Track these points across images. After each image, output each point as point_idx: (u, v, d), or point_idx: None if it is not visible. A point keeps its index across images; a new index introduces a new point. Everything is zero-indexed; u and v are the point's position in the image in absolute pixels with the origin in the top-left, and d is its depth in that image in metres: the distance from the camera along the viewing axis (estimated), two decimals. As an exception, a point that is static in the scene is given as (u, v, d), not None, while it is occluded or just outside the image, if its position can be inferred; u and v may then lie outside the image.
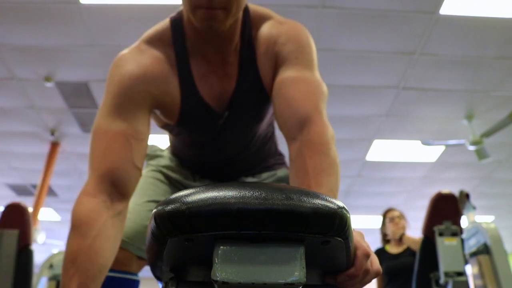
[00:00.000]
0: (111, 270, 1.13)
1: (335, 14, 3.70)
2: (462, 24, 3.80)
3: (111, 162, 0.99)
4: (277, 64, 1.11)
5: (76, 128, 5.47)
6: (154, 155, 1.40)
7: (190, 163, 1.37)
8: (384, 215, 3.84)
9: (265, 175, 1.37)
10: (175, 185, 1.35)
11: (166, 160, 1.39)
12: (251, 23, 1.15)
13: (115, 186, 0.98)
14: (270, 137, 1.36)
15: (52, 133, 5.51)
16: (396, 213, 3.76)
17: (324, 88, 1.10)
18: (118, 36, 3.88)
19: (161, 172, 1.36)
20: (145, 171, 1.38)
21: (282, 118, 1.06)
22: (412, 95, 4.79)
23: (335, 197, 0.91)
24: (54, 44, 4.02)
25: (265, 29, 1.14)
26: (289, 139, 1.03)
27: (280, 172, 1.38)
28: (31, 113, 5.13)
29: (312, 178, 0.91)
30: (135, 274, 1.24)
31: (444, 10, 3.64)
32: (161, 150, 1.43)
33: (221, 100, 1.15)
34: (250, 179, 1.35)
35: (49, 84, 4.51)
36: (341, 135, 5.22)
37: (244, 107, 1.17)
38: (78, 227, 0.92)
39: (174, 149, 1.38)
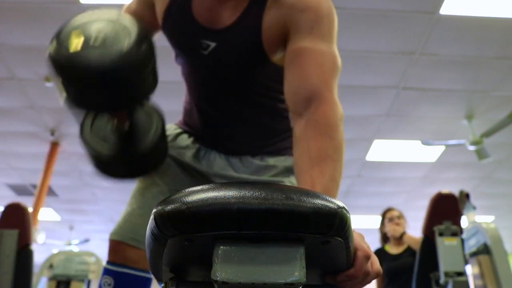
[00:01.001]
0: (124, 266, 1.15)
1: (335, 14, 3.70)
2: (462, 24, 3.80)
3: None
4: (290, 30, 1.06)
5: (76, 128, 5.44)
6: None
7: (193, 127, 1.33)
8: (383, 215, 3.84)
9: (272, 160, 1.28)
10: (184, 167, 1.30)
11: (174, 135, 1.34)
12: None
13: None
14: (278, 114, 1.28)
15: (52, 133, 5.51)
16: (395, 213, 3.76)
17: (338, 63, 1.05)
18: (118, 36, 3.87)
19: (168, 155, 1.31)
20: None
21: (290, 91, 1.03)
22: (412, 95, 4.80)
23: (338, 185, 0.90)
24: (54, 44, 4.02)
25: None
26: (295, 114, 1.00)
27: (289, 161, 1.29)
28: (31, 113, 5.13)
29: (315, 165, 0.88)
30: (148, 272, 1.23)
31: (444, 10, 3.64)
32: (174, 128, 1.38)
33: (213, 25, 1.13)
34: (256, 162, 1.28)
35: (49, 84, 4.51)
36: (341, 135, 5.20)
37: (233, 46, 1.12)
38: None
39: (184, 105, 1.36)
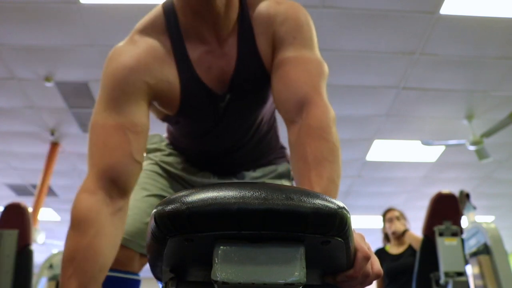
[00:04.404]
0: (111, 270, 1.10)
1: (335, 14, 3.70)
2: (462, 24, 3.80)
3: (110, 157, 0.97)
4: (275, 44, 1.09)
5: (76, 128, 5.47)
6: (153, 148, 1.36)
7: (189, 154, 1.33)
8: (383, 216, 3.84)
9: (266, 169, 1.33)
10: (175, 179, 1.32)
11: (165, 153, 1.35)
12: (247, 3, 1.12)
13: (114, 182, 0.97)
14: (271, 128, 1.32)
15: (52, 133, 5.51)
16: (395, 213, 3.75)
17: (324, 67, 1.07)
18: (118, 36, 3.85)
19: (159, 165, 1.33)
20: (143, 164, 1.36)
21: (280, 100, 1.04)
22: (412, 95, 4.80)
23: (337, 186, 0.90)
24: (54, 44, 4.02)
25: (263, 9, 1.11)
26: (288, 122, 1.01)
27: (281, 167, 1.34)
28: (31, 113, 5.13)
29: (312, 168, 0.89)
30: (136, 274, 1.23)
31: (444, 10, 3.64)
32: (162, 140, 1.38)
33: (221, 81, 1.12)
34: (251, 174, 1.31)
35: (49, 84, 4.51)
36: (341, 135, 5.17)
37: (246, 87, 1.14)
38: (77, 225, 0.91)
39: (173, 140, 1.35)
